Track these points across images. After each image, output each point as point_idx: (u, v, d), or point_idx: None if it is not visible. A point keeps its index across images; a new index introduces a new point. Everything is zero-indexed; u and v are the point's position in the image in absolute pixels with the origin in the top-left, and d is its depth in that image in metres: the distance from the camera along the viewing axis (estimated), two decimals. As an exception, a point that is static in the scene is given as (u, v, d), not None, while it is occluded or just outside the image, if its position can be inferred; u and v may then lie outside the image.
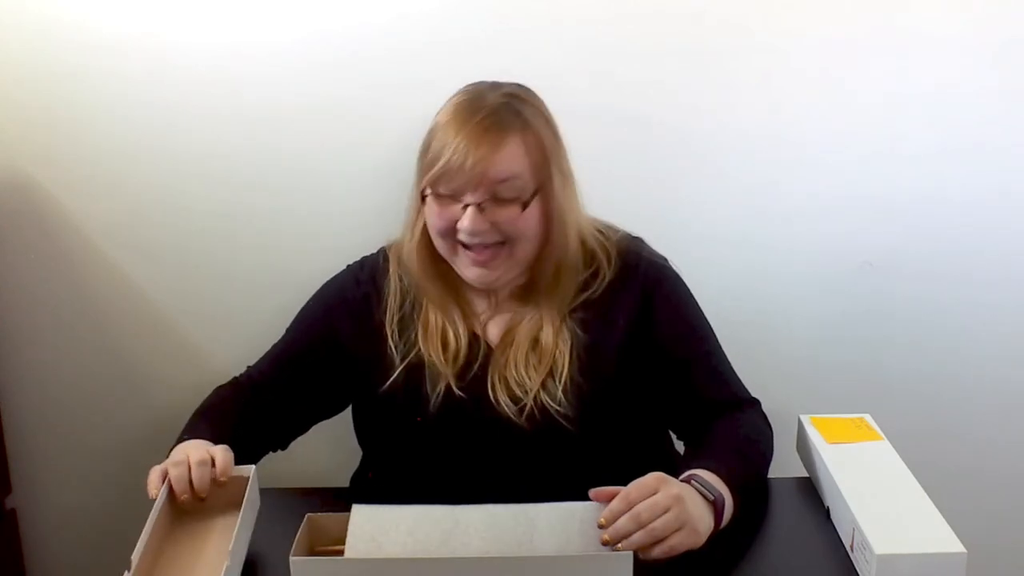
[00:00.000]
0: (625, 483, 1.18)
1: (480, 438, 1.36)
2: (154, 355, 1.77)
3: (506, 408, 1.34)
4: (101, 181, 1.68)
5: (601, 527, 1.12)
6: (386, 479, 1.44)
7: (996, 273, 1.79)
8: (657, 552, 1.14)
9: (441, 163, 1.30)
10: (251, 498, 1.24)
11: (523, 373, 1.35)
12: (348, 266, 1.51)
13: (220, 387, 1.50)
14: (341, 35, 1.64)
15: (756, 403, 1.45)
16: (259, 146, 1.68)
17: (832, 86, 1.69)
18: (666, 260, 1.47)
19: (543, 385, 1.35)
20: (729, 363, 1.45)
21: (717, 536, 1.22)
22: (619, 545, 1.11)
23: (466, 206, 1.30)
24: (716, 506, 1.21)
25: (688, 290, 1.46)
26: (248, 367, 1.51)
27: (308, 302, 1.50)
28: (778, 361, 1.80)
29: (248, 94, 1.65)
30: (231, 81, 1.65)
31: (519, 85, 1.39)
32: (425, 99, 1.61)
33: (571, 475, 1.30)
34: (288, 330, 1.50)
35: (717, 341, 1.45)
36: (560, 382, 1.35)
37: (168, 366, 1.78)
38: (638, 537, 1.12)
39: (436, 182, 1.31)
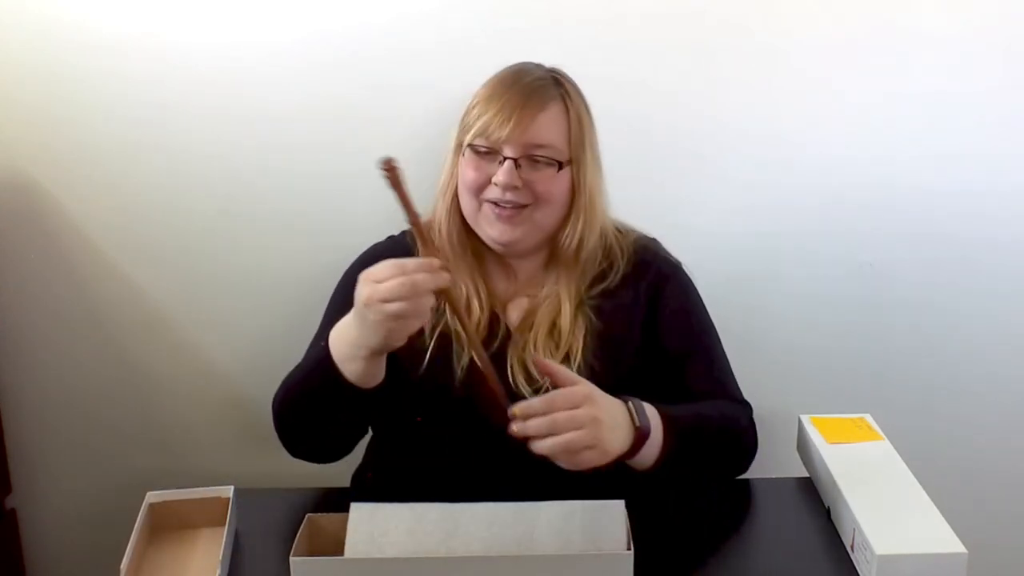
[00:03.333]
0: (629, 470, 1.20)
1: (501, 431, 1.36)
2: (154, 355, 1.77)
3: (523, 390, 1.35)
4: (101, 181, 1.68)
5: (513, 416, 1.15)
6: (396, 463, 1.43)
7: (996, 273, 1.79)
8: (562, 461, 1.17)
9: (485, 118, 1.36)
10: (231, 518, 1.25)
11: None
12: (373, 245, 1.51)
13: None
14: (341, 35, 1.64)
15: (747, 405, 1.45)
16: (259, 146, 1.68)
17: (832, 86, 1.69)
18: (680, 263, 1.49)
19: None
20: (729, 367, 1.46)
21: (717, 535, 1.22)
22: (529, 440, 1.15)
23: (504, 159, 1.35)
24: (639, 433, 1.22)
25: (696, 292, 1.48)
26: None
27: (339, 287, 1.48)
28: (778, 361, 1.80)
29: (248, 94, 1.65)
30: (231, 81, 1.65)
31: (562, 71, 1.46)
32: (426, 99, 1.62)
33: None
34: (324, 321, 1.45)
35: (719, 345, 1.46)
36: (574, 366, 1.36)
37: (168, 366, 1.78)
38: (547, 444, 1.15)
39: (477, 136, 1.37)
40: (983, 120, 1.72)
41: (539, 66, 1.45)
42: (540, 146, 1.37)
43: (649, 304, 1.43)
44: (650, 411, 1.26)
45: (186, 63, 1.63)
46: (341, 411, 1.32)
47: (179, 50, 1.63)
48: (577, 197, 1.41)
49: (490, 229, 1.39)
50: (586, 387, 1.20)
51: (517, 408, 1.16)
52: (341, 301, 1.47)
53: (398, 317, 1.16)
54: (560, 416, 1.16)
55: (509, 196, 1.36)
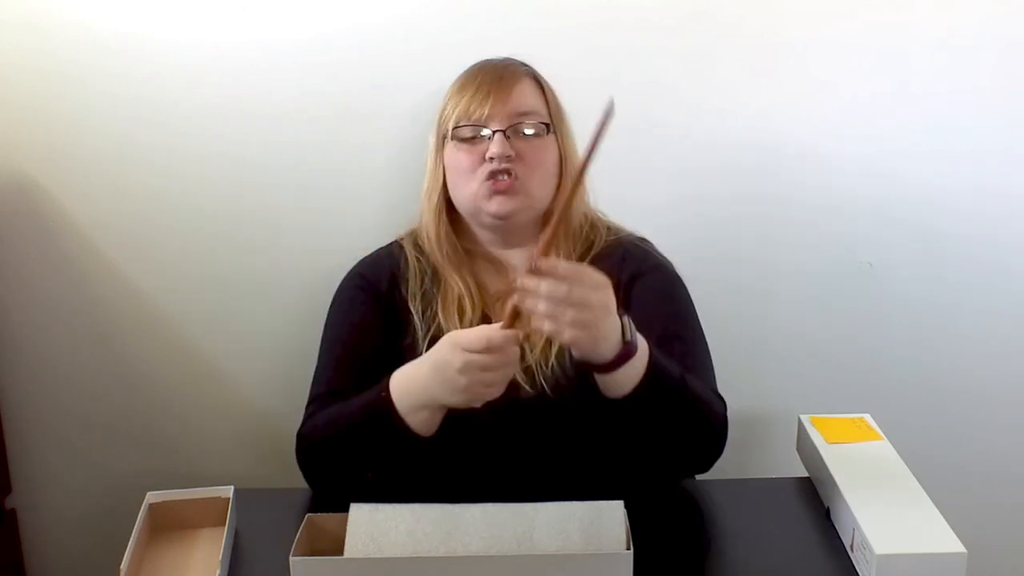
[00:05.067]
0: (612, 458, 1.22)
1: (493, 413, 1.36)
2: (154, 355, 1.77)
3: (519, 376, 1.35)
4: (101, 181, 1.68)
5: (536, 269, 1.11)
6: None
7: (995, 273, 1.79)
8: (548, 328, 1.14)
9: (463, 103, 1.40)
10: (231, 518, 1.25)
11: (532, 337, 1.36)
12: (360, 260, 1.51)
13: (308, 419, 1.40)
14: (341, 34, 1.64)
15: (722, 399, 1.39)
16: (259, 146, 1.68)
17: (832, 86, 1.69)
18: (669, 262, 1.48)
19: (547, 356, 1.37)
20: (708, 361, 1.42)
21: (717, 535, 1.22)
22: (528, 301, 1.12)
23: (494, 133, 1.38)
24: (626, 349, 1.19)
25: (680, 288, 1.46)
26: (311, 400, 1.42)
27: (335, 302, 1.48)
28: (778, 361, 1.80)
29: (248, 93, 1.65)
30: (232, 81, 1.65)
31: None
32: (427, 100, 1.62)
33: (567, 446, 1.35)
34: (329, 337, 1.46)
35: (700, 339, 1.43)
36: (554, 348, 1.37)
37: (168, 366, 1.78)
38: (546, 307, 1.12)
39: (460, 119, 1.40)
40: (983, 119, 1.72)
41: (498, 57, 1.48)
42: (524, 112, 1.40)
43: (626, 297, 1.41)
44: (641, 340, 1.22)
45: (186, 62, 1.63)
46: (395, 458, 1.32)
47: (178, 49, 1.63)
48: (565, 165, 1.44)
49: (488, 205, 1.40)
50: (608, 281, 1.16)
51: (543, 263, 1.11)
52: (340, 322, 1.47)
53: (491, 385, 1.20)
54: (577, 291, 1.12)
55: (505, 166, 1.38)
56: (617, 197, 1.53)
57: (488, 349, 1.18)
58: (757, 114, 1.70)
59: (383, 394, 1.29)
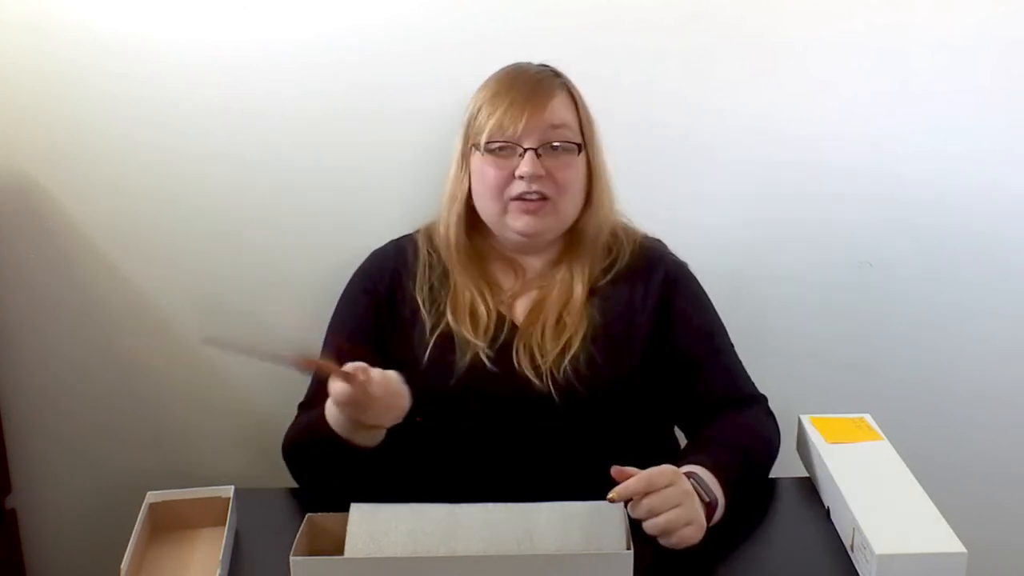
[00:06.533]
0: (616, 461, 1.21)
1: (503, 406, 1.38)
2: (154, 355, 1.77)
3: (527, 373, 1.37)
4: (101, 181, 1.68)
5: (611, 500, 1.15)
6: (396, 463, 1.43)
7: (995, 273, 1.79)
8: (663, 543, 1.17)
9: (497, 116, 1.37)
10: (231, 518, 1.26)
11: (545, 346, 1.39)
12: (372, 253, 1.52)
13: (290, 428, 1.44)
14: (344, 33, 1.64)
15: (763, 399, 1.46)
16: (260, 146, 1.68)
17: (832, 86, 1.69)
18: (686, 263, 1.50)
19: (557, 361, 1.37)
20: (739, 360, 1.47)
21: (717, 535, 1.23)
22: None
23: (524, 152, 1.37)
24: (709, 508, 1.23)
25: (704, 291, 1.49)
26: (300, 403, 1.47)
27: (340, 300, 1.49)
28: (778, 361, 1.80)
29: (249, 94, 1.65)
30: (232, 81, 1.65)
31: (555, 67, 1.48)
32: (427, 101, 1.63)
33: (571, 449, 1.35)
34: (326, 340, 1.47)
35: (729, 341, 1.48)
36: (568, 355, 1.37)
37: (168, 366, 1.78)
38: (649, 525, 1.16)
39: (493, 135, 1.38)
40: (983, 119, 1.72)
41: (532, 63, 1.47)
42: (556, 128, 1.38)
43: (661, 304, 1.43)
44: (707, 477, 1.26)
45: (186, 62, 1.63)
46: (360, 466, 1.32)
47: (178, 49, 1.63)
48: (595, 181, 1.43)
49: (515, 223, 1.40)
50: (672, 468, 1.21)
51: (615, 492, 1.15)
52: (346, 309, 1.49)
53: (367, 409, 1.22)
54: (656, 497, 1.16)
55: (535, 187, 1.37)
56: (616, 197, 1.53)
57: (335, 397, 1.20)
58: (757, 114, 1.70)
59: (322, 424, 1.29)
